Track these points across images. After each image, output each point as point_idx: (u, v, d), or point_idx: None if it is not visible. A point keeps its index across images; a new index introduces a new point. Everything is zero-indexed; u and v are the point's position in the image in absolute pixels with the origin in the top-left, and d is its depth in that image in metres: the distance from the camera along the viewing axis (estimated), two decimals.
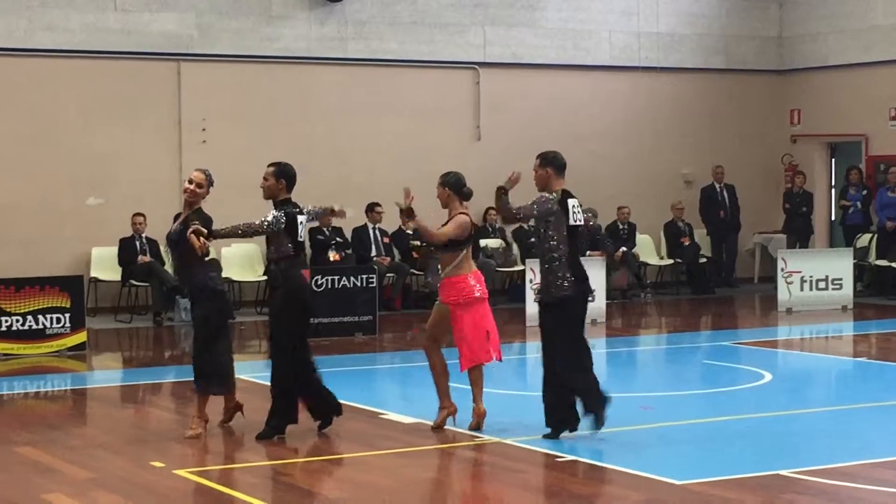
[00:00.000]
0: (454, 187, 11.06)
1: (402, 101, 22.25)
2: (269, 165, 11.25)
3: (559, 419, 10.62)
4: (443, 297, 11.01)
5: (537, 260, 10.99)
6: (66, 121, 20.05)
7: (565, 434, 10.59)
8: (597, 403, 10.57)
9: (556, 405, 10.59)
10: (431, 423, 11.11)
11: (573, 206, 10.63)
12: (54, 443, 10.45)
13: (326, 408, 11.10)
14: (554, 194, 10.59)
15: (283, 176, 11.05)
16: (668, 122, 24.34)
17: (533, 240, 10.54)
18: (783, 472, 9.31)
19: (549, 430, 10.61)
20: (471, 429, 10.87)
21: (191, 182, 10.92)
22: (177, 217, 11.55)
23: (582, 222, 10.73)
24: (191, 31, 20.81)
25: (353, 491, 8.99)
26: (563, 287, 10.50)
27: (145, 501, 8.94)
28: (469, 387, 11.04)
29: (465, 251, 10.99)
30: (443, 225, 10.96)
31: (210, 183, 10.95)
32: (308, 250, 20.71)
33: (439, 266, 11.18)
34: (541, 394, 10.72)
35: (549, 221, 10.52)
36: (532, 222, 10.93)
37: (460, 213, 10.96)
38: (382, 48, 22.10)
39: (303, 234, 10.95)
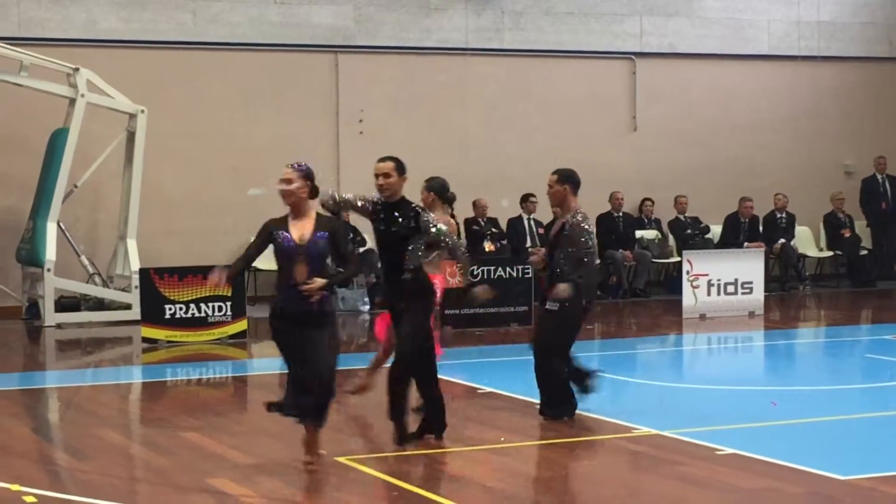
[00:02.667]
0: (438, 191, 11.13)
1: (558, 92, 22.23)
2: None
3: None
4: None
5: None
6: (228, 112, 20.45)
7: (723, 426, 10.52)
8: (551, 405, 10.89)
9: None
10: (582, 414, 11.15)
11: None
12: (218, 429, 10.64)
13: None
14: (580, 215, 10.63)
15: None
16: (828, 112, 23.92)
17: (583, 238, 10.51)
18: None
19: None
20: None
21: None
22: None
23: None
24: (349, 22, 21.05)
25: (511, 481, 9.01)
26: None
27: (307, 488, 9.08)
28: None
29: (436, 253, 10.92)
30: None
31: None
32: (464, 240, 20.82)
33: None
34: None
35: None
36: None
37: (443, 218, 10.99)
38: (539, 39, 22.10)
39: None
